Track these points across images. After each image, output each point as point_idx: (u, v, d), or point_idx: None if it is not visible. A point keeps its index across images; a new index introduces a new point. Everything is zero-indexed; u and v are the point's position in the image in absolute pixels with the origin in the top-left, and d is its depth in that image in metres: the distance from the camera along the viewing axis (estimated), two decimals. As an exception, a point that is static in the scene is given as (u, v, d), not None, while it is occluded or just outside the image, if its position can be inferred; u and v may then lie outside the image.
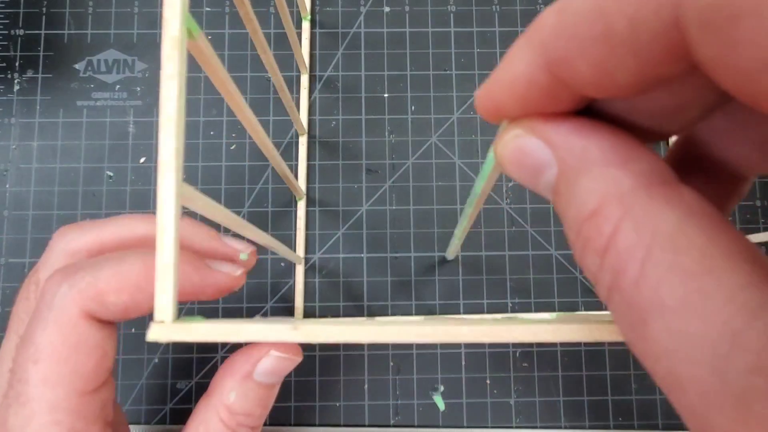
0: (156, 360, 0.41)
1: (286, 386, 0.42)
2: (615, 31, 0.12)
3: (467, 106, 0.44)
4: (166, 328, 0.15)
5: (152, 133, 0.44)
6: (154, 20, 0.45)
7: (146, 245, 0.30)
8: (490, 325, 0.15)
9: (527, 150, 0.15)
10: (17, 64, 0.44)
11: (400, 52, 0.45)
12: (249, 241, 0.28)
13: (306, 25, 0.45)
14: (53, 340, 0.26)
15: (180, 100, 0.15)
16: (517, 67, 0.14)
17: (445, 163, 0.44)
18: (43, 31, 0.45)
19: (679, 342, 0.12)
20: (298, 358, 0.28)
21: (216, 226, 0.42)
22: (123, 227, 0.31)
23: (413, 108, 0.45)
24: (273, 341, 0.15)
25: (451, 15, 0.46)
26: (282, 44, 0.45)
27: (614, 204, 0.13)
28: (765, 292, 0.12)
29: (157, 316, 0.15)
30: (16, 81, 0.44)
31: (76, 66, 0.44)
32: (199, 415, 0.29)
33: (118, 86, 0.44)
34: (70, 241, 0.31)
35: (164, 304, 0.15)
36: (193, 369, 0.42)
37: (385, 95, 0.45)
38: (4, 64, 0.44)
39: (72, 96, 0.44)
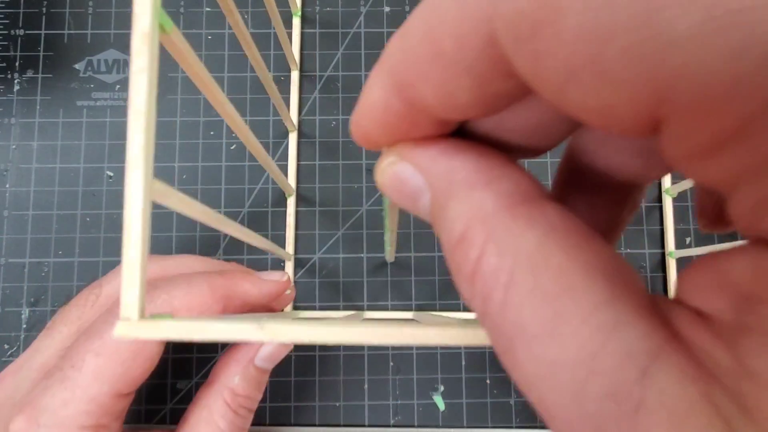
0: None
1: (286, 386, 0.42)
2: (444, 51, 0.12)
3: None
4: (132, 326, 0.15)
5: (152, 132, 0.44)
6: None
7: None
8: (398, 327, 0.15)
9: (402, 177, 0.15)
10: (17, 64, 0.44)
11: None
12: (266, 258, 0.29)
13: (296, 22, 0.45)
14: (120, 343, 0.29)
15: (150, 94, 0.15)
16: (374, 94, 0.14)
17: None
18: (43, 31, 0.45)
19: (543, 369, 0.12)
20: (292, 345, 0.30)
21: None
22: (182, 262, 0.35)
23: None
24: (238, 340, 0.15)
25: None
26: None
27: (478, 227, 0.13)
28: (619, 310, 0.11)
29: (123, 313, 0.15)
30: (16, 81, 0.44)
31: (76, 66, 0.44)
32: (203, 400, 0.32)
33: (118, 86, 0.44)
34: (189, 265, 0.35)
35: (130, 301, 0.15)
36: (193, 369, 0.42)
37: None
38: (4, 64, 0.44)
39: (72, 96, 0.44)
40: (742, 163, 0.09)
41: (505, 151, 0.15)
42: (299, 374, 0.42)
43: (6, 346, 0.41)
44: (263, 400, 0.42)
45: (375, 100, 0.14)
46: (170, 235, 0.43)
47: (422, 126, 0.14)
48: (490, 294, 0.13)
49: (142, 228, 0.15)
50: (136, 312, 0.15)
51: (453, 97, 0.13)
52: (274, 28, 0.45)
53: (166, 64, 0.44)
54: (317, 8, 0.46)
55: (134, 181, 0.15)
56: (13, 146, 0.43)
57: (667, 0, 0.09)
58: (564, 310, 0.12)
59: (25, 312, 0.42)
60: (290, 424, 0.42)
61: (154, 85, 0.15)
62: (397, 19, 0.46)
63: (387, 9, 0.46)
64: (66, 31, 0.45)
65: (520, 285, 0.12)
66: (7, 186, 0.43)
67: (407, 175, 0.15)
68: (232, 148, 0.44)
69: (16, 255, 0.42)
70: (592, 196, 0.17)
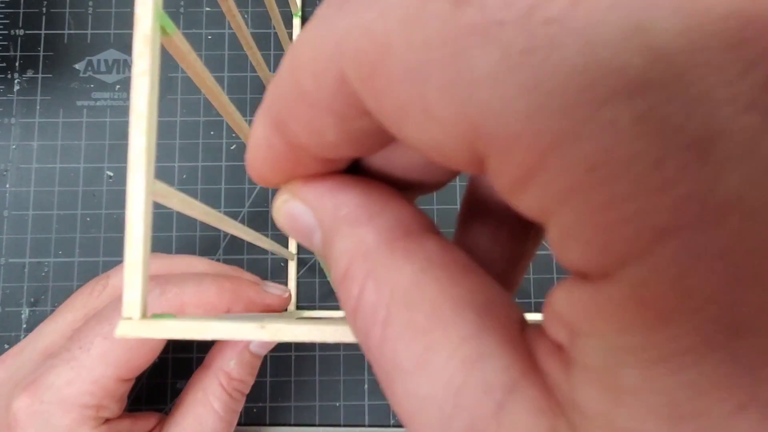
0: (156, 360, 0.41)
1: (286, 386, 0.42)
2: (306, 91, 0.12)
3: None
4: (134, 325, 0.15)
5: (152, 132, 0.44)
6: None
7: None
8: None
9: (294, 214, 0.15)
10: (17, 64, 0.44)
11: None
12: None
13: (297, 22, 0.45)
14: None
15: (152, 97, 0.15)
16: (258, 132, 0.15)
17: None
18: (43, 31, 0.45)
19: (415, 404, 0.12)
20: None
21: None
22: (188, 262, 0.36)
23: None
24: (240, 339, 0.15)
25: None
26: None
27: (359, 263, 0.13)
28: (485, 343, 0.12)
29: (125, 312, 0.15)
30: (16, 81, 0.44)
31: (76, 66, 0.44)
32: (198, 383, 0.34)
33: (118, 86, 0.44)
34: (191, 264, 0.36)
35: (132, 301, 0.15)
36: (193, 369, 0.41)
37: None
38: (4, 64, 0.44)
39: (72, 96, 0.44)
40: (545, 196, 0.10)
41: (403, 186, 0.16)
42: (299, 374, 0.42)
43: (6, 346, 0.41)
44: (263, 401, 0.42)
45: (259, 139, 0.15)
46: (170, 235, 0.43)
47: (307, 164, 0.14)
48: (370, 330, 0.13)
49: (144, 229, 0.15)
50: (138, 311, 0.15)
51: (321, 136, 0.13)
52: (274, 28, 0.45)
53: (167, 64, 0.44)
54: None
55: (136, 183, 0.15)
56: (13, 146, 0.43)
57: (471, 40, 0.09)
58: (434, 345, 0.12)
59: (25, 312, 0.42)
60: (290, 424, 0.42)
61: (156, 88, 0.15)
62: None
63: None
64: (66, 31, 0.45)
65: (396, 321, 0.12)
66: (7, 186, 0.43)
67: (299, 213, 0.15)
68: (232, 148, 0.44)
69: (16, 255, 0.42)
70: (495, 229, 0.17)
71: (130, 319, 0.15)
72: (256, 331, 0.15)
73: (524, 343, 0.12)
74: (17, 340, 0.41)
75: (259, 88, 0.44)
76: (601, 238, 0.09)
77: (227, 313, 0.32)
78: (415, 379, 0.12)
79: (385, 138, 0.13)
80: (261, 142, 0.14)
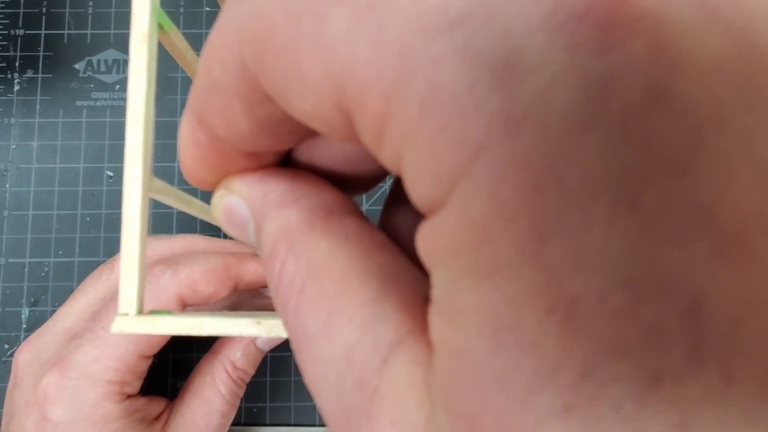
0: (156, 360, 0.41)
1: (286, 386, 0.42)
2: (216, 78, 0.13)
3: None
4: (130, 321, 0.15)
5: (152, 132, 0.44)
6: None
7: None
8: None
9: (230, 208, 0.15)
10: (17, 64, 0.44)
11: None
12: None
13: None
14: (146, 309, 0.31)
15: (149, 93, 0.15)
16: (183, 130, 0.15)
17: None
18: (43, 31, 0.45)
19: (318, 369, 0.12)
20: None
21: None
22: (188, 241, 0.38)
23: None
24: (235, 335, 0.16)
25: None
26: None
27: (282, 242, 0.14)
28: (382, 306, 0.12)
29: (121, 308, 0.15)
30: (16, 81, 0.44)
31: (76, 66, 0.44)
32: (206, 367, 0.37)
33: (118, 86, 0.44)
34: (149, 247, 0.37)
35: (129, 296, 0.15)
36: (193, 369, 0.42)
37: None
38: (4, 64, 0.44)
39: (72, 96, 0.44)
40: (396, 141, 0.10)
41: (343, 184, 0.16)
42: (299, 374, 0.42)
43: (6, 346, 0.41)
44: (263, 401, 0.42)
45: (185, 136, 0.15)
46: (170, 235, 0.43)
47: (235, 159, 0.15)
48: (287, 302, 0.13)
49: (140, 225, 0.15)
50: (134, 307, 0.15)
51: (235, 125, 0.13)
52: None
53: (168, 64, 0.44)
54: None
55: (132, 179, 0.15)
56: (13, 146, 0.43)
57: (331, 3, 0.10)
58: (337, 310, 0.12)
59: (25, 312, 0.42)
60: (290, 424, 0.42)
61: (153, 84, 0.15)
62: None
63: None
64: (66, 31, 0.45)
65: (309, 291, 0.13)
66: (7, 186, 0.43)
67: (234, 205, 0.15)
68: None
69: (16, 255, 0.42)
70: (416, 211, 0.18)
71: (126, 315, 0.15)
72: (252, 327, 0.15)
73: (423, 309, 0.12)
74: (17, 340, 0.41)
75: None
76: (433, 167, 0.10)
77: (235, 290, 0.35)
78: (319, 343, 0.12)
79: (297, 127, 0.13)
80: (187, 139, 0.15)
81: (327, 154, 0.16)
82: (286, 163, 0.16)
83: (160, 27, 0.16)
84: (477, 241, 0.09)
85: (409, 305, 0.12)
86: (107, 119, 0.44)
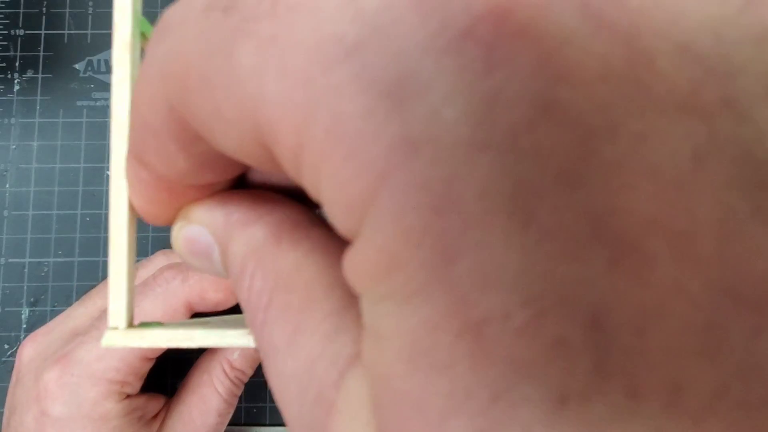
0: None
1: (284, 387, 0.42)
2: (146, 120, 0.13)
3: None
4: (120, 335, 0.15)
5: (152, 132, 0.44)
6: (154, 20, 0.44)
7: None
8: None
9: (192, 237, 0.15)
10: (17, 64, 0.44)
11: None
12: None
13: None
14: (155, 313, 0.33)
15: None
16: (128, 170, 0.15)
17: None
18: (43, 31, 0.45)
19: (283, 383, 0.12)
20: None
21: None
22: (153, 267, 0.37)
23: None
24: (225, 346, 0.15)
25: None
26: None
27: (250, 259, 0.14)
28: (345, 318, 0.12)
29: (110, 322, 0.15)
30: (16, 81, 0.44)
31: (76, 66, 0.44)
32: (204, 365, 0.37)
33: (118, 86, 0.44)
34: (170, 257, 0.39)
35: (117, 310, 0.15)
36: (191, 367, 0.42)
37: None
38: (4, 64, 0.44)
39: (72, 96, 0.44)
40: (312, 171, 0.10)
41: (303, 198, 0.16)
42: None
43: (6, 346, 0.42)
44: (263, 401, 0.42)
45: (129, 177, 0.15)
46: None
47: (185, 192, 0.15)
48: (255, 315, 0.13)
49: (128, 237, 0.15)
50: (124, 321, 0.15)
51: (174, 164, 0.13)
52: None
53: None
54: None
55: (119, 190, 0.15)
56: (13, 146, 0.43)
57: (237, 38, 0.10)
58: (302, 323, 0.12)
59: (25, 312, 0.42)
60: (290, 425, 0.42)
61: None
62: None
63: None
64: (66, 31, 0.45)
65: (276, 304, 0.13)
66: (7, 186, 0.43)
67: (195, 234, 0.15)
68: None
69: (16, 255, 0.42)
70: None
71: (116, 329, 0.15)
72: (242, 338, 0.15)
73: None
74: (17, 340, 0.42)
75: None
76: (345, 198, 0.10)
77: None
78: (284, 357, 0.12)
79: (234, 160, 0.13)
80: (132, 179, 0.15)
81: (278, 175, 0.16)
82: (241, 185, 0.16)
83: (143, 35, 0.16)
84: (389, 268, 0.09)
85: None
86: (107, 119, 0.44)
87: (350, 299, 0.12)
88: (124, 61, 0.15)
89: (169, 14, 0.12)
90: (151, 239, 0.43)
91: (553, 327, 0.08)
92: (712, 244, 0.08)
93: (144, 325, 0.16)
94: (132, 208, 0.15)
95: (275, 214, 0.14)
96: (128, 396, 0.34)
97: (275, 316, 0.13)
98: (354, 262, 0.10)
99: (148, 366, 0.35)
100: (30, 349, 0.36)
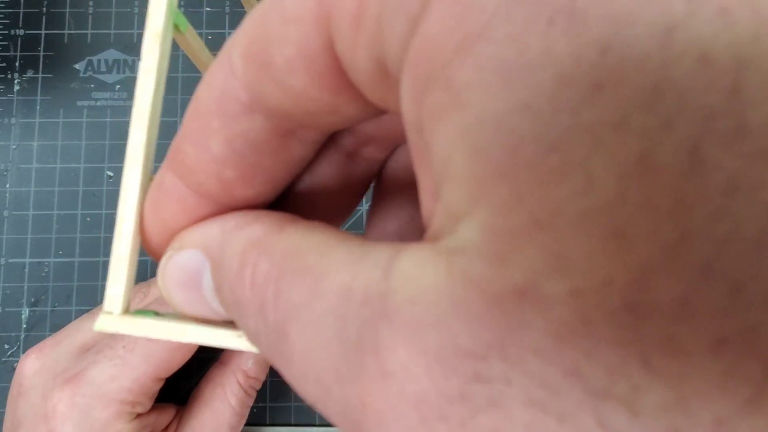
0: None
1: (286, 386, 0.42)
2: (199, 101, 0.14)
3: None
4: (113, 320, 0.15)
5: (152, 132, 0.44)
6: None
7: None
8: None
9: (181, 264, 0.15)
10: (17, 64, 0.44)
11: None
12: None
13: None
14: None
15: (156, 94, 0.15)
16: (155, 179, 0.15)
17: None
18: (43, 31, 0.45)
19: (311, 332, 0.11)
20: None
21: None
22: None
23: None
24: (216, 346, 0.15)
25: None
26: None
27: (251, 251, 0.13)
28: (369, 244, 0.12)
29: (106, 306, 0.15)
30: (16, 81, 0.44)
31: (76, 66, 0.44)
32: (217, 378, 0.37)
33: (118, 86, 0.44)
34: None
35: (114, 295, 0.15)
36: (193, 369, 0.41)
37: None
38: (4, 64, 0.44)
39: (72, 96, 0.44)
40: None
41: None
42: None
43: (6, 346, 0.41)
44: (263, 401, 0.42)
45: (153, 184, 0.15)
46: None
47: (194, 207, 0.15)
48: (264, 293, 0.12)
49: (134, 225, 0.15)
50: (119, 307, 0.15)
51: (207, 149, 0.14)
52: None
53: (169, 65, 0.44)
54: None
55: (131, 179, 0.15)
56: (13, 146, 0.43)
57: None
58: (323, 269, 0.12)
59: (25, 312, 0.42)
60: (290, 424, 0.42)
61: (162, 86, 0.16)
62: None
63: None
64: (66, 31, 0.45)
65: (288, 271, 0.12)
66: (7, 186, 0.43)
67: (186, 259, 0.15)
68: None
69: (16, 255, 0.42)
70: (398, 217, 0.18)
71: (110, 313, 0.15)
72: (234, 340, 0.15)
73: None
74: (17, 340, 0.41)
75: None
76: None
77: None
78: (308, 307, 0.11)
79: (269, 152, 0.14)
80: (153, 185, 0.15)
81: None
82: None
83: (177, 28, 0.16)
84: None
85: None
86: (107, 119, 0.44)
87: (370, 245, 0.12)
88: (153, 51, 0.15)
89: None
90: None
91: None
92: None
93: (138, 312, 0.15)
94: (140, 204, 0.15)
95: (272, 216, 0.14)
96: (139, 415, 0.34)
97: (289, 280, 0.12)
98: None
99: (159, 386, 0.34)
100: (36, 361, 0.35)
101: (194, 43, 0.18)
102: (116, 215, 0.15)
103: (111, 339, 0.33)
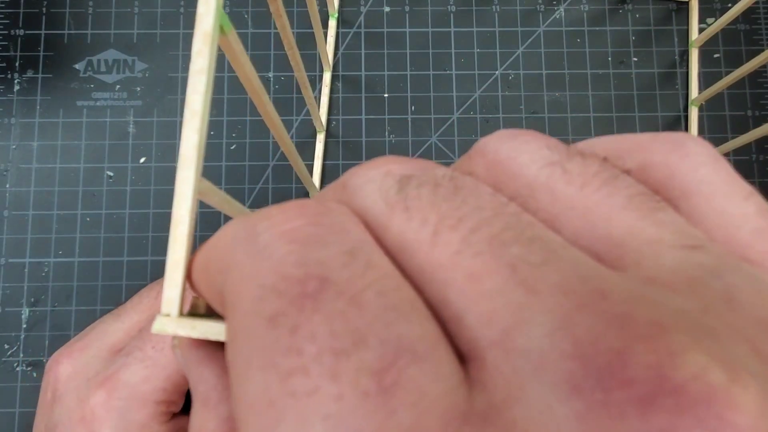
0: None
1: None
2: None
3: (467, 106, 0.45)
4: (171, 322, 0.15)
5: (152, 133, 0.44)
6: (154, 20, 0.45)
7: None
8: None
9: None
10: (17, 64, 0.44)
11: (401, 52, 0.45)
12: None
13: (332, 23, 0.45)
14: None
15: (206, 95, 0.15)
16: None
17: (445, 163, 0.44)
18: (43, 31, 0.45)
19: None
20: None
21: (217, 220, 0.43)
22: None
23: (413, 108, 0.45)
24: None
25: (451, 15, 0.46)
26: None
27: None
28: None
29: (164, 309, 0.15)
30: (16, 81, 0.44)
31: (76, 66, 0.44)
32: None
33: (118, 86, 0.44)
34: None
35: (171, 298, 0.15)
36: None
37: (385, 95, 0.45)
38: (4, 64, 0.44)
39: (72, 96, 0.44)
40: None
41: None
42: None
43: (6, 346, 0.41)
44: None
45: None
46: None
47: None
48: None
49: (189, 227, 0.15)
50: (176, 309, 0.15)
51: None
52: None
53: (169, 65, 0.44)
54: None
55: (185, 181, 0.15)
56: (13, 146, 0.43)
57: None
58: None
59: (25, 312, 0.42)
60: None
61: (211, 86, 0.16)
62: (397, 19, 0.46)
63: (387, 9, 0.46)
64: (66, 31, 0.45)
65: None
66: (7, 186, 0.43)
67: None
68: (232, 148, 0.44)
69: (16, 255, 0.42)
70: None
71: (168, 315, 0.15)
72: None
73: None
74: (17, 340, 0.41)
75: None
76: None
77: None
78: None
79: None
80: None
81: None
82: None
83: (221, 29, 0.17)
84: None
85: None
86: (107, 119, 0.44)
87: None
88: (203, 52, 0.15)
89: None
90: (151, 239, 0.43)
91: None
92: None
93: (193, 314, 0.16)
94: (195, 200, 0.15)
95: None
96: (174, 416, 0.34)
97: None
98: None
99: (186, 386, 0.34)
100: (68, 366, 0.35)
101: (235, 46, 0.18)
102: (171, 218, 0.15)
103: (139, 340, 0.33)
